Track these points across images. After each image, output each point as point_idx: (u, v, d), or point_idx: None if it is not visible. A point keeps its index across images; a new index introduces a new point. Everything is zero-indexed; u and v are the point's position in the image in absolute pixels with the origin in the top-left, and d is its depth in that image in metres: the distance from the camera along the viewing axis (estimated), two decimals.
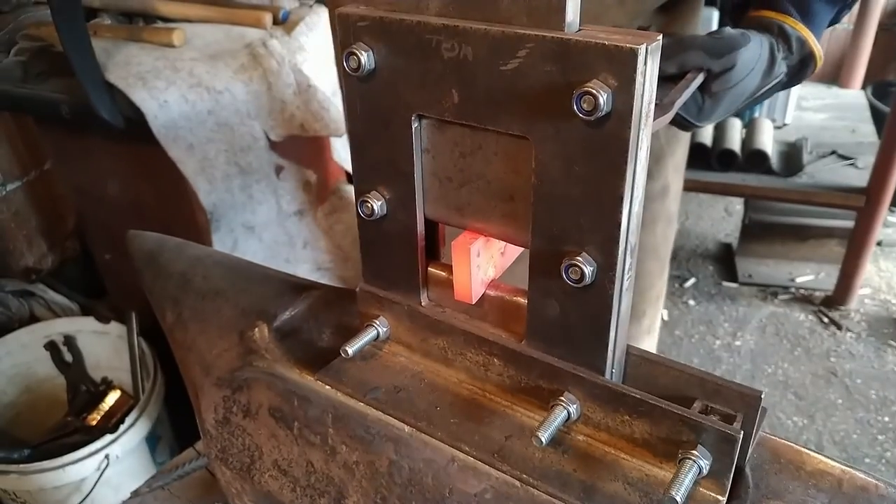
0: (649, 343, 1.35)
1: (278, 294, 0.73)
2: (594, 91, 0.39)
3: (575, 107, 0.40)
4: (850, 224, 2.46)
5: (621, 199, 0.43)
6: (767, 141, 2.48)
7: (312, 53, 1.64)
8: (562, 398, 0.53)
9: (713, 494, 0.50)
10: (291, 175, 1.69)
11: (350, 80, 0.50)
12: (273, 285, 0.75)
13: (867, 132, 2.72)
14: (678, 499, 0.47)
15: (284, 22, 1.66)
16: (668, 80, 0.75)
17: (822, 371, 2.30)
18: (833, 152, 2.56)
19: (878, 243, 2.79)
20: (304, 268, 1.78)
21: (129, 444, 1.54)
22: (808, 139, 2.59)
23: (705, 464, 0.49)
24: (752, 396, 0.51)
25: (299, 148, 1.68)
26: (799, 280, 2.66)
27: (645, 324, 1.29)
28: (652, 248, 1.19)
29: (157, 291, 0.80)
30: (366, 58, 0.47)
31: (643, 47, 0.38)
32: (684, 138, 1.16)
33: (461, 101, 0.46)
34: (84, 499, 1.52)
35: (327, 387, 0.61)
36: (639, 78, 0.39)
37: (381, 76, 0.49)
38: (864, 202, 2.32)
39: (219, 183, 1.52)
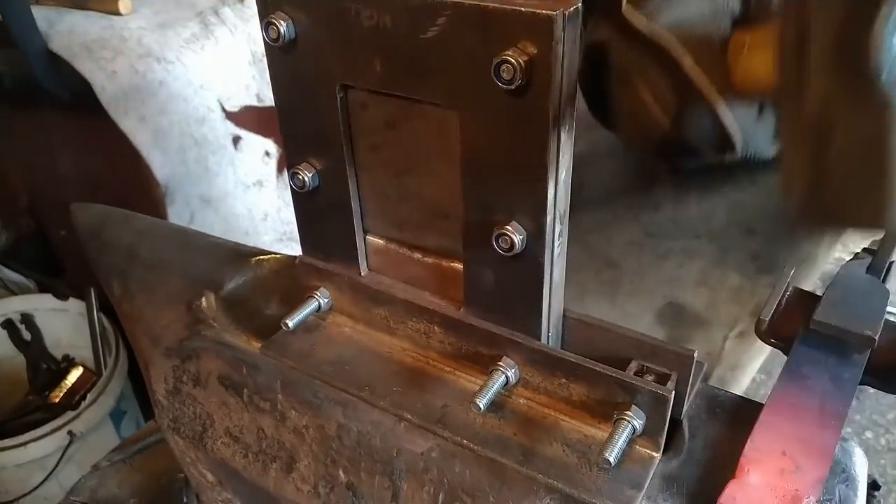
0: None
1: (225, 263, 0.73)
2: (512, 59, 0.39)
3: (494, 76, 0.40)
4: None
5: (546, 168, 0.43)
6: None
7: None
8: (500, 363, 0.54)
9: (648, 451, 0.52)
10: (249, 145, 1.67)
11: (272, 51, 0.49)
12: (221, 254, 0.75)
13: None
14: (611, 460, 0.48)
15: None
16: None
17: None
18: None
19: None
20: (266, 239, 1.76)
21: (92, 421, 1.54)
22: None
23: (639, 423, 0.50)
24: (686, 356, 0.53)
25: (256, 118, 1.65)
26: None
27: None
28: (812, 258, 1.10)
29: (103, 264, 0.79)
30: (285, 27, 0.46)
31: (559, 13, 0.38)
32: None
33: (384, 70, 0.45)
34: (48, 476, 1.51)
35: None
36: (556, 45, 0.39)
37: (302, 46, 0.48)
38: None
39: (173, 155, 1.50)
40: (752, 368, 1.27)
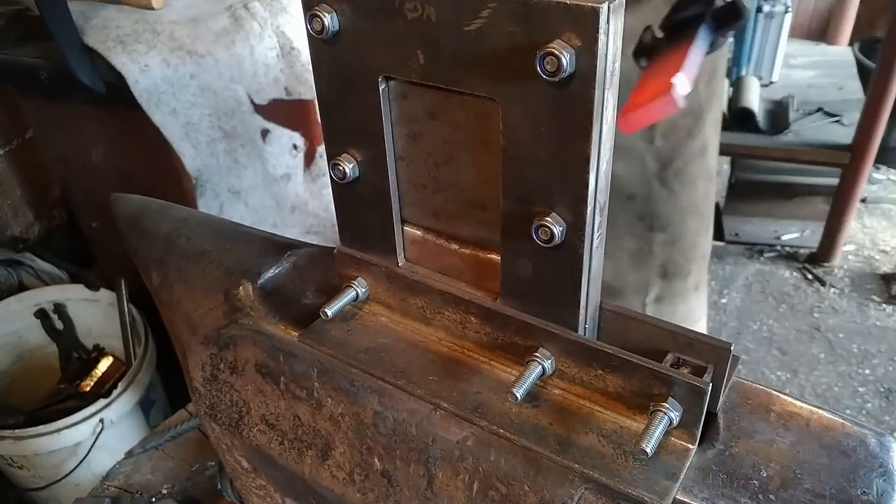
0: (697, 300, 1.33)
1: (262, 253, 0.74)
2: (557, 51, 0.39)
3: (538, 67, 0.40)
4: (835, 181, 2.47)
5: (588, 159, 0.44)
6: (754, 99, 2.48)
7: (295, 15, 1.62)
8: (536, 354, 0.54)
9: (683, 443, 0.52)
10: (277, 139, 1.68)
11: (315, 43, 0.50)
12: (257, 245, 0.76)
13: (854, 89, 2.71)
14: (648, 450, 0.48)
15: None
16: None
17: (806, 327, 2.34)
18: (819, 109, 2.56)
19: (863, 200, 2.81)
20: (293, 231, 1.78)
21: (122, 409, 1.56)
22: (795, 97, 2.58)
23: (676, 415, 0.50)
24: (721, 348, 0.53)
25: (285, 111, 1.67)
26: (784, 238, 2.68)
27: (691, 282, 1.28)
28: (693, 206, 1.19)
29: (142, 253, 0.80)
30: (329, 20, 0.47)
31: (605, 6, 0.39)
32: (721, 95, 1.16)
33: (427, 62, 0.46)
34: (80, 462, 1.54)
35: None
36: (601, 37, 0.39)
37: (346, 38, 0.48)
38: (849, 159, 2.33)
39: (203, 147, 1.52)
40: None
